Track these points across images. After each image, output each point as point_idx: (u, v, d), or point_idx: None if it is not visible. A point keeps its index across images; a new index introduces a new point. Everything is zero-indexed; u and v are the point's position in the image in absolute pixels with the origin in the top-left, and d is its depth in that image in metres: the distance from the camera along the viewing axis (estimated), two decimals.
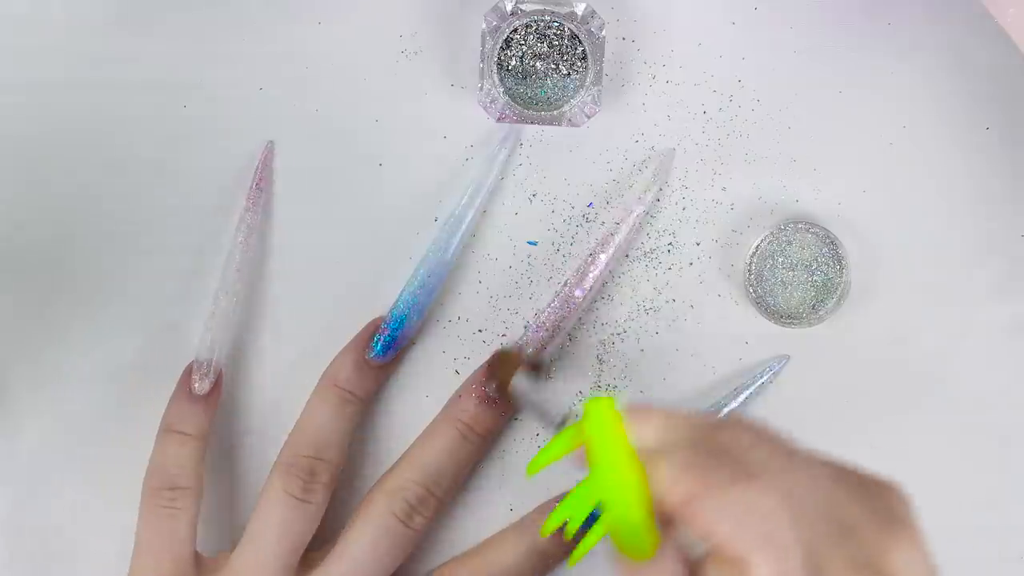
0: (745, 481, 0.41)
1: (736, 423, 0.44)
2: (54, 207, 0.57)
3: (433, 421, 0.56)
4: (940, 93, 0.57)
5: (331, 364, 0.56)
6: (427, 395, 0.57)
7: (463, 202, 0.56)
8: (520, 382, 0.51)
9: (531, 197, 0.57)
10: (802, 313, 0.56)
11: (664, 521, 0.43)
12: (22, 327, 0.57)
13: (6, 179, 0.56)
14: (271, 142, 0.56)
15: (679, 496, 0.41)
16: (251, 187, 0.56)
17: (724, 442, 0.42)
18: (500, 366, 0.53)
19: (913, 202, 0.57)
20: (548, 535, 0.48)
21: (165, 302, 0.57)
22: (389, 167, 0.57)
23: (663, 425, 0.44)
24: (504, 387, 0.51)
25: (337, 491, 0.56)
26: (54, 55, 0.56)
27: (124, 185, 0.57)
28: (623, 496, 0.43)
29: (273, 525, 0.53)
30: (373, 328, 0.56)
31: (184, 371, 0.55)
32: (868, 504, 0.42)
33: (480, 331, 0.57)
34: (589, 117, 0.54)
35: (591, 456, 0.44)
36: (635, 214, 0.56)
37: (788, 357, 0.57)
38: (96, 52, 0.56)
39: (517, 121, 0.54)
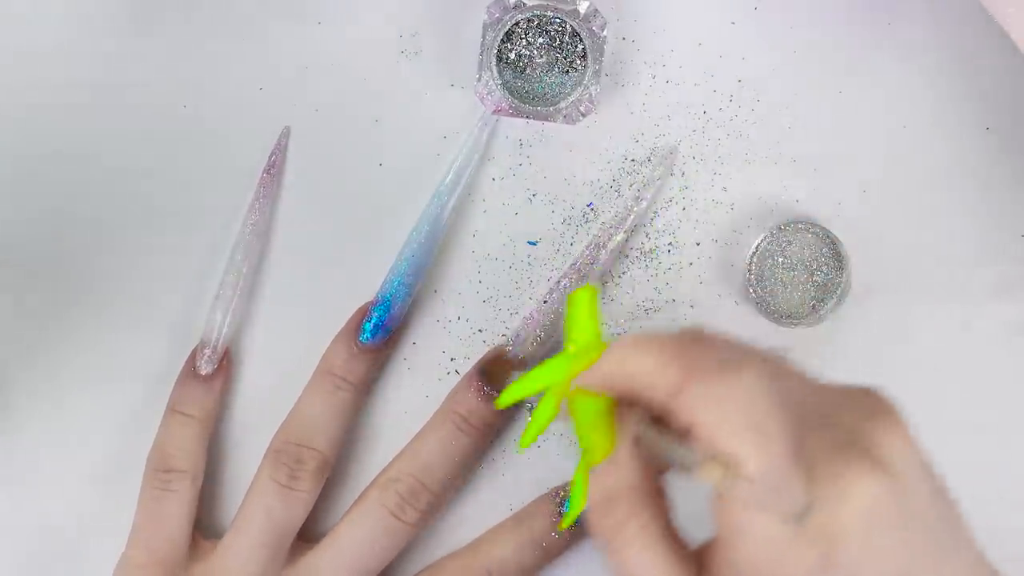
0: (729, 370, 0.40)
1: (712, 334, 0.43)
2: (53, 206, 0.57)
3: (431, 416, 0.56)
4: (940, 93, 0.57)
5: (324, 353, 0.56)
6: (426, 394, 0.57)
7: (445, 183, 0.56)
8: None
9: (531, 197, 0.57)
10: (802, 313, 0.56)
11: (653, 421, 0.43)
12: (22, 327, 0.57)
13: (6, 178, 0.57)
14: (287, 127, 0.57)
15: (666, 386, 0.41)
16: (263, 171, 0.56)
17: (705, 344, 0.42)
18: (492, 376, 0.55)
19: (913, 202, 0.57)
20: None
21: (165, 302, 0.57)
22: (389, 167, 0.57)
23: (643, 343, 0.43)
24: (501, 390, 0.52)
25: (336, 489, 0.56)
26: (54, 55, 0.56)
27: (123, 185, 0.57)
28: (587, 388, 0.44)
29: (259, 512, 0.53)
30: (362, 314, 0.56)
31: (190, 353, 0.56)
32: (851, 398, 0.42)
33: (480, 331, 0.57)
34: (584, 115, 0.54)
35: (566, 346, 0.46)
36: (635, 212, 0.56)
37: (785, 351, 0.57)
38: (96, 52, 0.57)
39: (513, 115, 0.54)
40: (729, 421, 0.40)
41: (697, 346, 0.42)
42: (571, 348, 0.46)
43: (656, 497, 0.43)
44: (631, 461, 0.43)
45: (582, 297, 0.46)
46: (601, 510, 0.43)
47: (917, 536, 0.40)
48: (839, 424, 0.41)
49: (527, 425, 0.47)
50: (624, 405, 0.44)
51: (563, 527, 0.48)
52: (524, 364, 0.56)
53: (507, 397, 0.46)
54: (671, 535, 0.43)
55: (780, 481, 0.39)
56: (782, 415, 0.40)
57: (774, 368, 0.42)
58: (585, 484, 0.45)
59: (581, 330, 0.46)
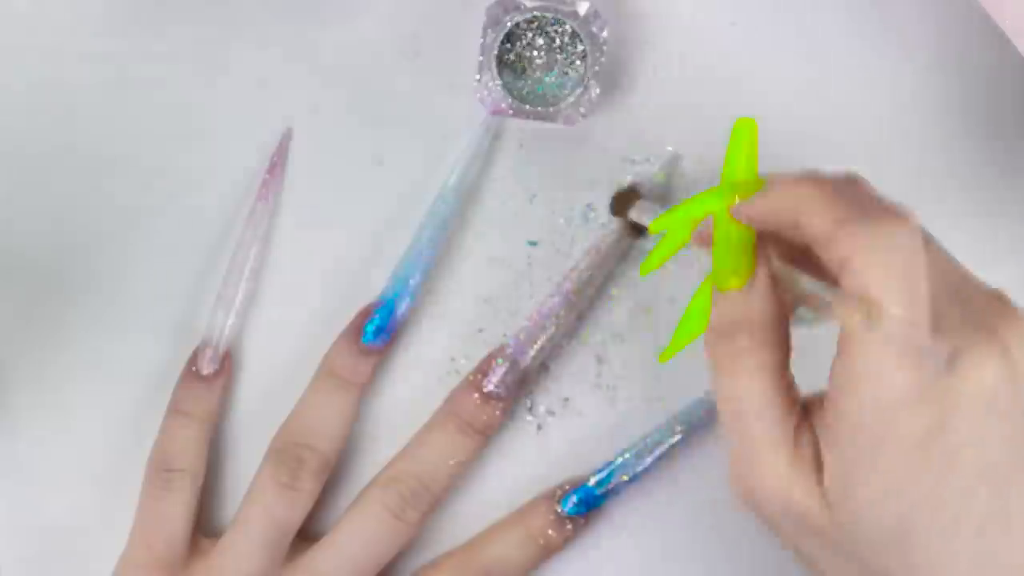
0: (894, 217, 0.41)
1: (868, 182, 0.44)
2: (54, 206, 0.57)
3: (432, 417, 0.56)
4: (940, 93, 0.57)
5: (326, 353, 0.56)
6: (426, 394, 0.57)
7: (445, 183, 0.56)
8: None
9: (531, 197, 0.57)
10: (802, 313, 0.56)
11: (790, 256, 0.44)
12: (22, 327, 0.57)
13: (6, 178, 0.57)
14: (290, 128, 0.57)
15: (830, 217, 0.41)
16: (264, 172, 0.56)
17: (866, 188, 0.43)
18: (620, 204, 0.56)
19: (912, 202, 0.57)
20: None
21: (166, 302, 0.57)
22: (389, 167, 0.57)
23: (808, 179, 0.43)
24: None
25: (335, 489, 0.56)
26: (54, 55, 0.56)
27: (123, 185, 0.57)
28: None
29: (259, 511, 0.53)
30: (364, 314, 0.56)
31: (192, 353, 0.56)
32: (982, 291, 0.43)
33: (480, 331, 0.57)
34: (584, 116, 0.54)
35: (724, 176, 0.46)
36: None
37: None
38: (96, 52, 0.56)
39: (512, 115, 0.54)
40: (888, 265, 0.40)
41: (859, 188, 0.43)
42: (730, 178, 0.45)
43: (781, 336, 0.44)
44: (767, 292, 0.44)
45: (744, 128, 0.46)
46: (724, 334, 0.44)
47: (1018, 432, 0.40)
48: (971, 305, 0.42)
49: (655, 247, 0.47)
50: (767, 239, 0.44)
51: (664, 358, 0.47)
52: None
53: (662, 223, 0.46)
54: (785, 377, 0.44)
55: (920, 338, 0.39)
56: (931, 278, 0.40)
57: (926, 232, 0.42)
58: (704, 306, 0.45)
59: (740, 161, 0.45)
